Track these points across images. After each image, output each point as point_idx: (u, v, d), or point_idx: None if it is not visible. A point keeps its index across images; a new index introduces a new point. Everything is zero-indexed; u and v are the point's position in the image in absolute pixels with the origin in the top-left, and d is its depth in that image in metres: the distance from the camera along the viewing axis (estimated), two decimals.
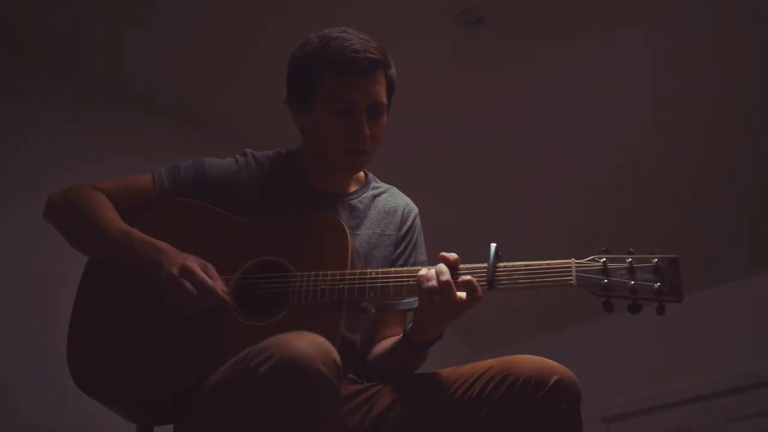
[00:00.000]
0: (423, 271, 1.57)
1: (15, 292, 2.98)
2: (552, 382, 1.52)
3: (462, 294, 1.53)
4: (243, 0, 3.13)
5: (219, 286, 1.61)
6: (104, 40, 3.26)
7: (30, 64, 3.30)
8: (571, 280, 1.51)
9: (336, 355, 1.37)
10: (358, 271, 1.63)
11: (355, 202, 1.87)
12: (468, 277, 1.54)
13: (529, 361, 1.57)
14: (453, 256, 1.59)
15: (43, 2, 3.07)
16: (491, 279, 1.54)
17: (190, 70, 3.45)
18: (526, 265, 1.55)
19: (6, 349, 2.89)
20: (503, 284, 1.55)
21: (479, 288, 1.54)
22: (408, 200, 1.96)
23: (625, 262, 1.50)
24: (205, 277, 1.60)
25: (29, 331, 2.90)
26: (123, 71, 3.43)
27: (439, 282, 1.54)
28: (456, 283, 1.54)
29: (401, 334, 1.71)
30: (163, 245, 1.67)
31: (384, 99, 1.77)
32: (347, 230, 1.68)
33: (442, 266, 1.56)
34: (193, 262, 1.62)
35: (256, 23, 3.21)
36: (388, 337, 1.82)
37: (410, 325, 1.67)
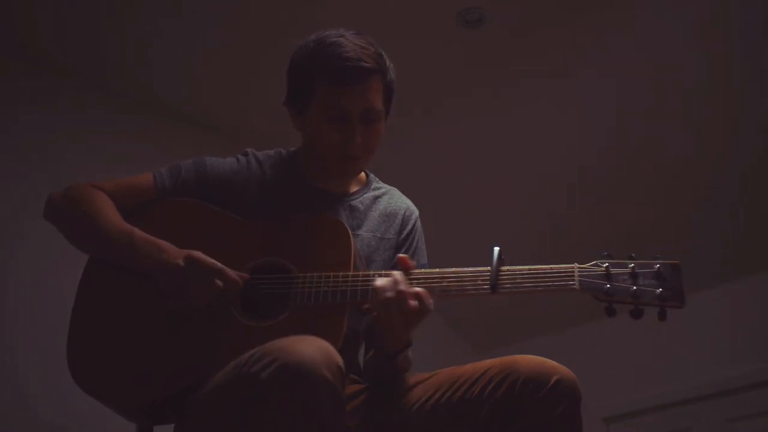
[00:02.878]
0: (379, 281, 1.58)
1: (32, 293, 2.99)
2: (552, 382, 1.52)
3: (414, 302, 1.55)
4: (239, 2, 3.13)
5: (229, 270, 1.62)
6: (104, 41, 3.26)
7: (33, 65, 3.31)
8: (574, 284, 1.52)
9: (340, 360, 1.37)
10: (360, 273, 1.63)
11: (355, 202, 1.87)
12: (417, 289, 1.56)
13: (529, 361, 1.57)
14: (412, 262, 1.62)
15: (54, 6, 3.08)
16: (494, 282, 1.55)
17: (192, 71, 3.45)
18: (529, 269, 1.56)
19: (23, 349, 2.91)
20: (506, 288, 1.55)
21: (428, 299, 1.56)
22: (409, 202, 1.96)
23: (627, 267, 1.51)
24: (213, 261, 1.62)
25: (46, 331, 2.89)
26: (122, 74, 3.44)
27: (396, 291, 1.55)
28: (408, 292, 1.56)
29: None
30: (165, 244, 1.67)
31: (379, 105, 1.75)
32: (350, 232, 1.68)
33: (398, 275, 1.58)
34: (199, 252, 1.63)
35: (252, 24, 3.21)
36: None
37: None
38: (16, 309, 2.97)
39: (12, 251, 3.04)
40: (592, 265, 1.53)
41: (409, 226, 1.90)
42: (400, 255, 1.64)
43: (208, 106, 3.63)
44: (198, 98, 3.59)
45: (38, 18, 3.12)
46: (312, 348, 1.34)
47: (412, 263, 1.63)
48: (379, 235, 1.85)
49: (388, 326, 1.59)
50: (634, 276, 1.50)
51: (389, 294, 1.55)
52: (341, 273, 1.62)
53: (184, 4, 3.13)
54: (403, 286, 1.55)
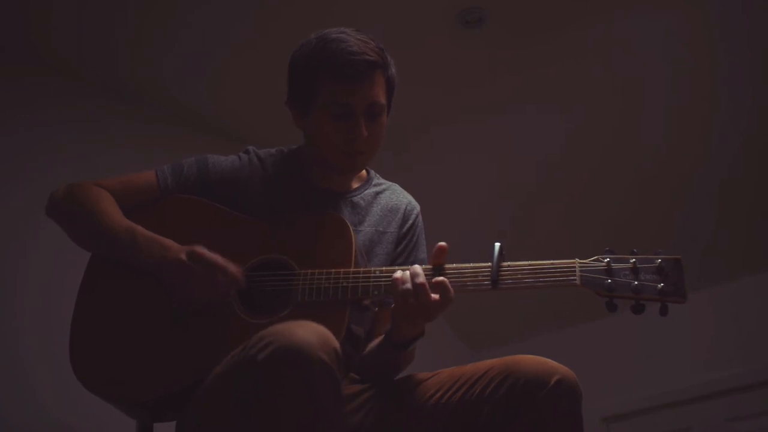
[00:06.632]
0: (398, 273, 1.58)
1: (35, 292, 2.99)
2: (553, 382, 1.52)
3: (436, 295, 1.55)
4: (244, 3, 3.14)
5: (231, 265, 1.62)
6: (111, 42, 3.26)
7: (38, 66, 3.31)
8: (575, 280, 1.52)
9: (336, 344, 1.37)
10: (362, 269, 1.64)
11: (357, 199, 1.88)
12: (440, 278, 1.56)
13: (530, 361, 1.58)
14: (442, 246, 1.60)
15: (61, 6, 3.08)
16: (495, 278, 1.55)
17: (193, 70, 3.45)
18: (530, 265, 1.56)
19: (29, 348, 2.91)
20: (507, 283, 1.55)
21: (451, 289, 1.55)
22: (410, 198, 1.97)
23: (628, 263, 1.51)
24: (216, 256, 1.62)
25: (51, 329, 2.89)
26: (129, 75, 3.44)
27: (414, 284, 1.55)
28: (429, 284, 1.55)
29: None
30: (168, 241, 1.68)
31: (382, 100, 1.76)
32: (352, 229, 1.69)
33: (417, 267, 1.58)
34: (201, 247, 1.64)
35: (251, 24, 3.21)
36: (383, 333, 1.82)
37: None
38: (20, 308, 2.97)
39: (15, 250, 3.03)
40: (593, 261, 1.54)
41: (410, 221, 1.91)
42: (440, 243, 1.62)
43: (211, 107, 3.63)
44: (202, 99, 3.58)
45: (44, 19, 3.12)
46: (308, 331, 1.35)
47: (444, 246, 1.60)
48: (380, 229, 1.86)
49: (406, 317, 1.59)
50: (635, 271, 1.50)
51: (407, 286, 1.55)
52: (342, 270, 1.63)
53: (191, 5, 3.13)
54: (421, 279, 1.55)
